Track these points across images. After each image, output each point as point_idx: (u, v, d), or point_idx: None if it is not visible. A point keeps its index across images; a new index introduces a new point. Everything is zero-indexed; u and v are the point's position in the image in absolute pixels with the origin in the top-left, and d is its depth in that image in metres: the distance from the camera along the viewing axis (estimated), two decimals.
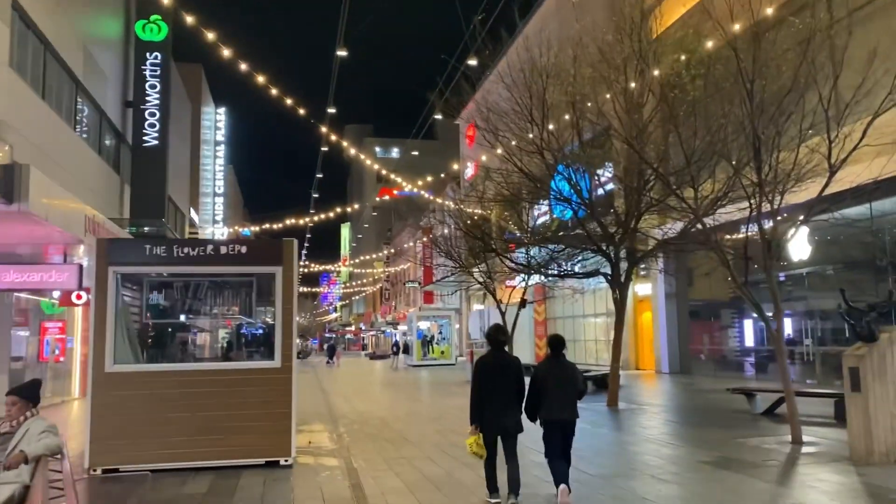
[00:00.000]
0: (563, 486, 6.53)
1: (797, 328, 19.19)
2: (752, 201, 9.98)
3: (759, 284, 10.44)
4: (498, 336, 6.76)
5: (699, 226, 11.13)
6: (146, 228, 23.71)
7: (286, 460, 8.80)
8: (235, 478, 8.16)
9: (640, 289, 27.11)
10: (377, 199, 62.69)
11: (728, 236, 12.53)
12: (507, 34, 15.80)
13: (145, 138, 24.69)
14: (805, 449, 9.31)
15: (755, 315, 22.13)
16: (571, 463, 6.87)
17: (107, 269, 8.56)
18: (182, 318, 9.26)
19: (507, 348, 6.91)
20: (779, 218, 10.11)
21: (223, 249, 8.94)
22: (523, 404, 6.74)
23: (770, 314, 10.32)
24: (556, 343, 6.94)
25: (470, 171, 40.98)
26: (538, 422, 6.85)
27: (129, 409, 8.47)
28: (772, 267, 9.88)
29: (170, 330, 9.31)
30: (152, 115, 24.88)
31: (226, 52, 19.23)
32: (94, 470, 8.35)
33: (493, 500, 6.64)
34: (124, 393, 8.50)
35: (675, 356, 25.62)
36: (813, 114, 9.58)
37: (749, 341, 22.41)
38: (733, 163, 10.18)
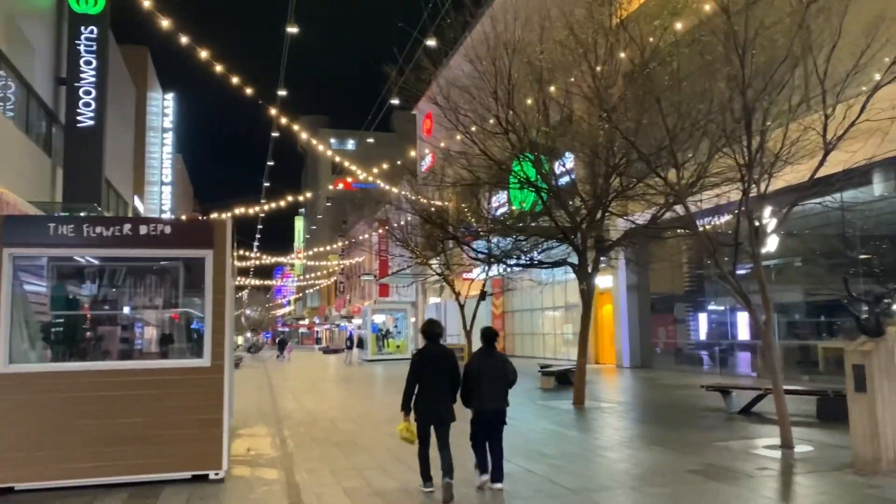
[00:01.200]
0: (486, 476, 6.95)
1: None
2: (742, 181, 9.08)
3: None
4: (433, 329, 7.09)
5: (680, 210, 10.19)
6: (82, 214, 22.02)
7: (216, 473, 7.58)
8: (154, 496, 6.95)
9: (601, 281, 26.28)
10: (331, 187, 61.12)
11: (706, 222, 11.64)
12: (471, 3, 14.65)
13: (79, 118, 22.92)
14: (798, 454, 8.46)
15: (712, 308, 21.74)
16: (504, 455, 7.06)
17: (1, 251, 7.24)
18: (99, 309, 8.00)
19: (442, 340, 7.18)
20: (765, 200, 9.28)
21: (143, 229, 7.62)
22: (458, 394, 6.99)
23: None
24: (488, 336, 7.27)
25: (427, 162, 39.85)
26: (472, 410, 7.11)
27: (29, 416, 7.17)
28: (760, 254, 9.03)
29: (80, 324, 8.02)
30: (87, 93, 23.11)
31: (164, 23, 17.83)
32: None
33: (427, 489, 6.78)
34: (22, 397, 7.18)
35: (636, 350, 25.02)
36: (805, 87, 8.74)
37: (710, 335, 21.87)
38: (721, 133, 9.21)
